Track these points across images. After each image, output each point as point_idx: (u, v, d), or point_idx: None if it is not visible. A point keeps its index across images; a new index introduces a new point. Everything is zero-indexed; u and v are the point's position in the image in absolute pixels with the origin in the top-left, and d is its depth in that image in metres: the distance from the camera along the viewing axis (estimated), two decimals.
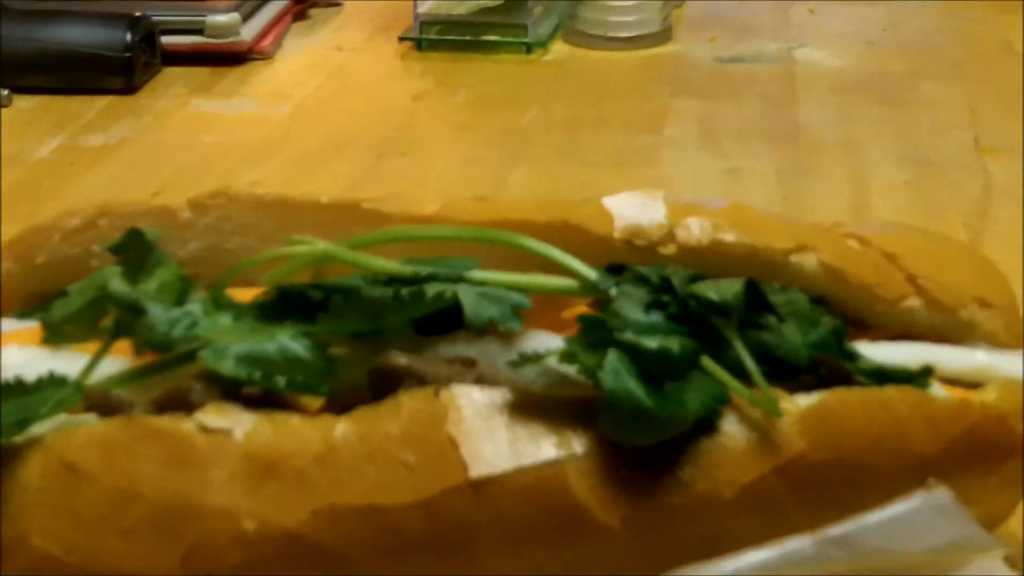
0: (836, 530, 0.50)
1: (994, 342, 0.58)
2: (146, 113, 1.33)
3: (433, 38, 1.51)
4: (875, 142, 1.20)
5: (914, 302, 0.58)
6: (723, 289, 0.52)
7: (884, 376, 0.53)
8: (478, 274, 0.54)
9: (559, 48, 1.51)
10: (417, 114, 1.34)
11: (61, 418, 0.52)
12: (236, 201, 0.60)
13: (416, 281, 0.53)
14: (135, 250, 0.56)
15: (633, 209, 0.58)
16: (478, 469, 0.49)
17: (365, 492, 0.49)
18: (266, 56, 1.50)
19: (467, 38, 1.50)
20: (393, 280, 0.53)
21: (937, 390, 0.54)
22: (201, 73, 1.45)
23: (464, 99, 1.37)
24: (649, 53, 1.49)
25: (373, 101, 1.38)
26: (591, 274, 0.54)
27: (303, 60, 1.51)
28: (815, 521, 0.50)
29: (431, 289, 0.52)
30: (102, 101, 1.36)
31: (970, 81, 1.37)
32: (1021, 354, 0.58)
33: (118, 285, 0.54)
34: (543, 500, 0.49)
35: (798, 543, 0.50)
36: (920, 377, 0.53)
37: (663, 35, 1.51)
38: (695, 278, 0.53)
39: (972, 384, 0.56)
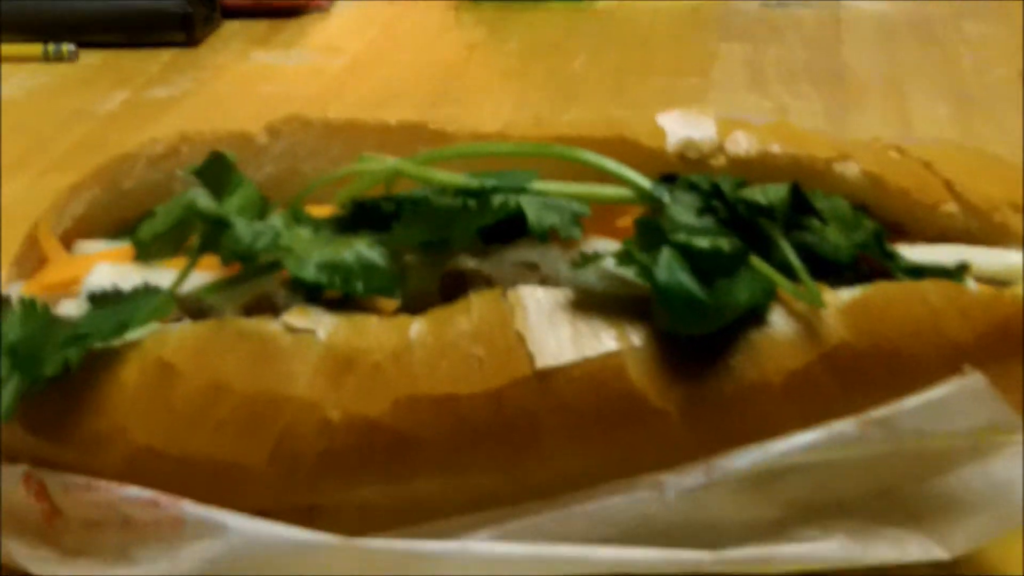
0: (878, 413, 0.53)
1: None
2: (207, 66, 1.37)
3: None
4: (919, 80, 1.23)
5: (951, 207, 0.61)
6: (769, 193, 0.55)
7: (921, 272, 0.56)
8: (539, 185, 0.57)
9: None
10: (469, 63, 1.38)
11: (157, 325, 0.55)
12: (309, 126, 0.64)
13: (482, 193, 0.56)
14: (217, 172, 0.59)
15: (684, 125, 0.61)
16: (543, 361, 0.52)
17: (440, 383, 0.52)
18: (323, 9, 1.54)
19: None
20: (460, 192, 0.57)
21: (972, 285, 0.56)
22: (260, 27, 1.49)
23: (515, 48, 1.41)
24: (697, 3, 1.51)
25: (426, 52, 1.42)
26: (645, 183, 0.57)
27: (358, 13, 1.54)
28: (858, 406, 0.53)
29: (496, 199, 0.56)
30: (165, 55, 1.40)
31: (1014, 19, 1.39)
32: None
33: (205, 202, 0.57)
34: (603, 389, 0.52)
35: (842, 426, 0.53)
36: (956, 273, 0.56)
37: None
38: (743, 184, 0.57)
39: (1005, 283, 0.58)
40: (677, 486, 0.53)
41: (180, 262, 0.58)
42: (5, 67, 1.37)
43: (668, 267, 0.52)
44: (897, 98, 1.19)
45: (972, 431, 0.54)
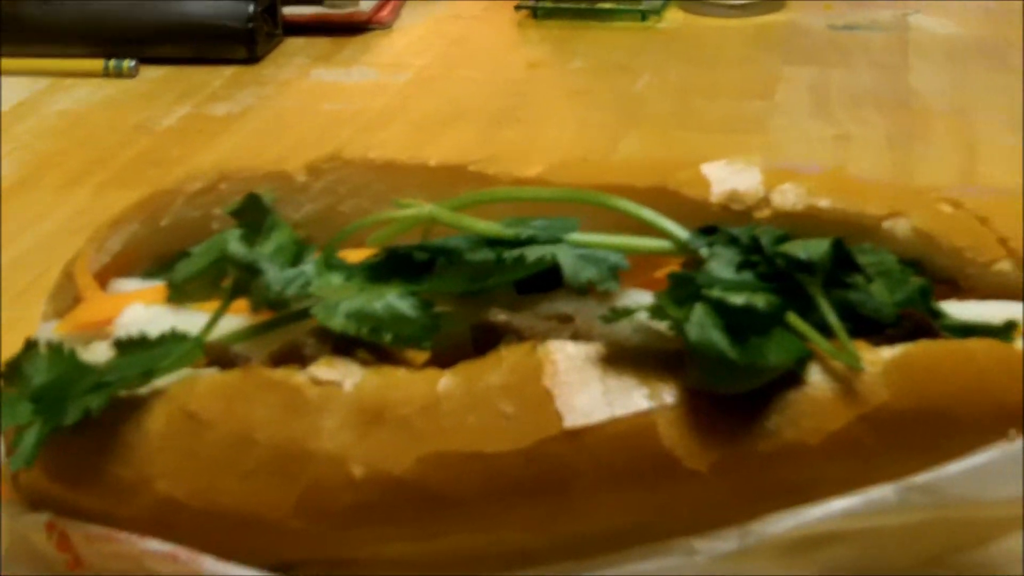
0: (920, 479, 0.52)
1: None
2: (269, 82, 1.37)
3: (549, 6, 1.53)
4: (986, 109, 1.21)
5: (1005, 265, 0.59)
6: (810, 248, 0.53)
7: (968, 331, 0.54)
8: (577, 236, 0.56)
9: (673, 16, 1.53)
10: (533, 82, 1.37)
11: (183, 371, 0.55)
12: (349, 165, 0.63)
13: (517, 243, 0.55)
14: (253, 213, 0.59)
15: (730, 175, 0.60)
16: (572, 419, 0.51)
17: (468, 440, 0.51)
18: (385, 26, 1.53)
19: (582, 6, 1.52)
20: (495, 242, 0.56)
21: (1021, 345, 0.55)
22: (322, 43, 1.48)
23: (579, 66, 1.40)
24: (762, 20, 1.50)
25: (490, 69, 1.41)
26: (683, 234, 0.56)
27: (421, 29, 1.53)
28: (899, 470, 0.52)
29: (532, 253, 0.54)
30: (227, 71, 1.40)
31: None
32: None
33: (236, 247, 0.57)
34: (634, 448, 0.51)
35: (882, 491, 0.52)
36: (1004, 331, 0.54)
37: (777, 3, 1.52)
38: (784, 238, 0.55)
39: None
40: (710, 551, 0.52)
41: (213, 305, 0.57)
42: (68, 81, 1.37)
43: (700, 323, 0.50)
44: (963, 127, 1.16)
45: (1018, 499, 0.53)
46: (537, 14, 1.54)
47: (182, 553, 0.52)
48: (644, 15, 1.51)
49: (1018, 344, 0.55)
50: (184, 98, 1.33)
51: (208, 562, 0.52)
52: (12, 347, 0.56)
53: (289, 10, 1.50)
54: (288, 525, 0.52)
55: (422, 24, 1.55)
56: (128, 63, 1.39)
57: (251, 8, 1.41)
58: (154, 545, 0.53)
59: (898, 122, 1.18)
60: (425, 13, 1.59)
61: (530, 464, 0.51)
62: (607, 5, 1.52)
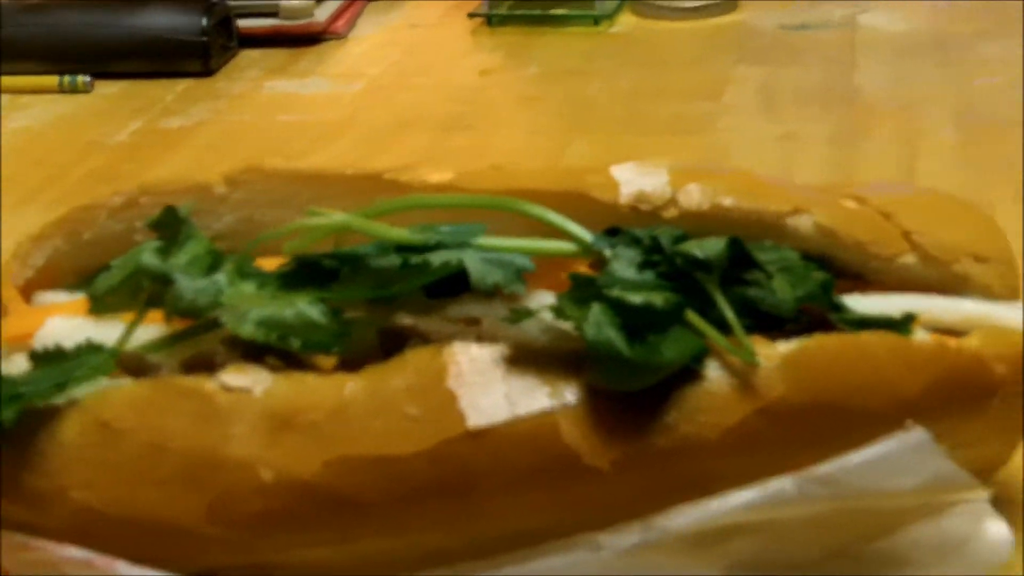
0: (819, 470, 0.53)
1: (988, 295, 0.60)
2: (223, 95, 1.38)
3: (503, 14, 1.55)
4: (930, 104, 1.22)
5: (909, 258, 0.60)
6: (707, 247, 0.54)
7: (867, 324, 0.55)
8: (484, 240, 0.57)
9: (626, 20, 1.54)
10: (485, 89, 1.38)
11: (99, 382, 0.56)
12: (268, 176, 0.64)
13: (425, 249, 0.56)
14: (170, 225, 0.59)
15: (638, 176, 0.61)
16: (476, 420, 0.52)
17: (374, 443, 0.52)
18: (341, 36, 1.54)
19: (536, 12, 1.54)
20: (404, 248, 0.57)
21: (921, 337, 0.56)
22: (277, 55, 1.49)
23: (532, 72, 1.41)
24: (715, 22, 1.51)
25: (443, 77, 1.42)
26: (587, 236, 0.57)
27: (376, 39, 1.55)
28: (798, 462, 0.53)
29: (437, 258, 0.55)
30: (181, 84, 1.41)
31: None
32: (1014, 305, 0.60)
33: (149, 258, 0.57)
34: (537, 447, 0.52)
35: (782, 483, 0.53)
36: (902, 324, 0.55)
37: (730, 3, 1.53)
38: (683, 238, 0.56)
39: (962, 333, 0.58)
40: (614, 545, 0.53)
41: (134, 315, 0.58)
42: (24, 99, 1.38)
43: (597, 323, 0.51)
44: (906, 123, 1.17)
45: (918, 489, 0.54)
46: (491, 21, 1.55)
47: (98, 559, 0.53)
48: (597, 20, 1.52)
49: (917, 336, 0.56)
50: (138, 113, 1.34)
51: (123, 567, 0.53)
52: None
53: (244, 22, 1.51)
54: (202, 532, 0.53)
55: (377, 34, 1.57)
56: (83, 79, 1.40)
57: (205, 21, 1.42)
58: (71, 552, 0.53)
59: (842, 119, 1.19)
60: (380, 23, 1.60)
61: (434, 466, 0.52)
62: (561, 11, 1.53)
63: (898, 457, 0.53)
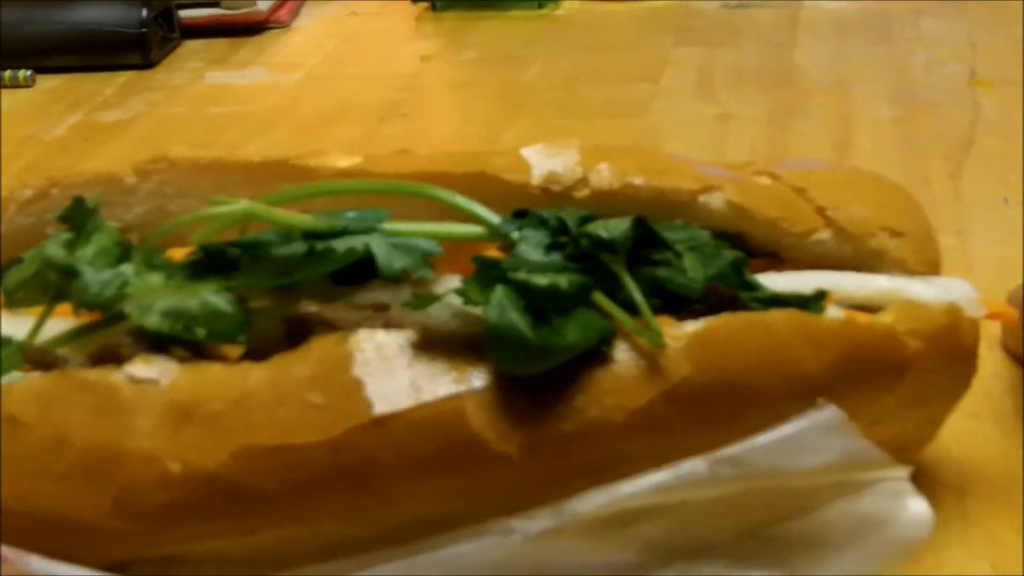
0: (729, 451, 0.52)
1: (903, 269, 0.60)
2: (161, 87, 1.37)
3: None
4: (868, 81, 1.22)
5: (823, 234, 0.60)
6: (612, 227, 0.54)
7: (778, 303, 0.55)
8: (390, 225, 0.56)
9: (570, 4, 1.53)
10: (424, 75, 1.37)
11: (8, 376, 0.55)
12: (176, 165, 0.63)
13: (331, 235, 0.56)
14: (78, 217, 0.59)
15: (548, 157, 0.60)
16: (381, 407, 0.51)
17: (277, 433, 0.52)
18: (283, 25, 1.54)
19: None
20: (310, 235, 0.56)
21: (834, 313, 0.55)
22: (219, 45, 1.49)
23: (471, 58, 1.40)
24: (658, 4, 1.51)
25: (382, 64, 1.41)
26: (494, 219, 0.56)
27: (319, 27, 1.54)
28: (708, 443, 0.52)
29: (342, 244, 0.55)
30: (121, 77, 1.40)
31: (972, 15, 1.37)
32: (930, 280, 0.59)
33: (55, 251, 0.57)
34: (442, 432, 0.51)
35: (692, 464, 0.52)
36: (813, 301, 0.55)
37: None
38: (589, 219, 0.56)
39: (876, 309, 0.57)
40: (525, 530, 0.52)
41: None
42: None
43: (499, 305, 0.51)
44: (842, 100, 1.17)
45: (829, 467, 0.53)
46: (436, 6, 1.55)
47: (9, 553, 0.52)
48: (541, 3, 1.52)
49: (830, 313, 0.55)
50: (76, 107, 1.33)
51: (35, 561, 0.52)
52: None
53: (186, 13, 1.51)
54: (106, 525, 0.52)
55: (320, 22, 1.56)
56: (24, 73, 1.39)
57: (144, 13, 1.41)
58: None
59: (779, 99, 1.19)
60: (323, 12, 1.60)
61: (339, 454, 0.51)
62: None
63: (808, 435, 0.52)
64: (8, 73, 1.39)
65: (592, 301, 0.53)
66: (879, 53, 1.29)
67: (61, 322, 0.57)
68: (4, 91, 1.39)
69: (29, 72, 1.39)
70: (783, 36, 1.36)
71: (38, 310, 0.58)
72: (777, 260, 0.60)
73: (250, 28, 1.52)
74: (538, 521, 0.52)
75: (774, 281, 0.57)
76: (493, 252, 0.57)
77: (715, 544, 0.55)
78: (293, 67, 1.41)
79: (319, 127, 1.23)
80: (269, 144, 1.19)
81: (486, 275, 0.53)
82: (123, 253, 0.58)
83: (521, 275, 0.52)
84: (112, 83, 1.39)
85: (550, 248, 0.55)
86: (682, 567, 0.54)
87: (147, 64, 1.42)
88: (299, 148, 1.15)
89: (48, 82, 1.41)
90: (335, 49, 1.46)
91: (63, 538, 0.53)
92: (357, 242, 0.55)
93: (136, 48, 1.41)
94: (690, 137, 1.12)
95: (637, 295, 0.53)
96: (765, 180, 0.61)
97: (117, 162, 1.15)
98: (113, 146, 1.23)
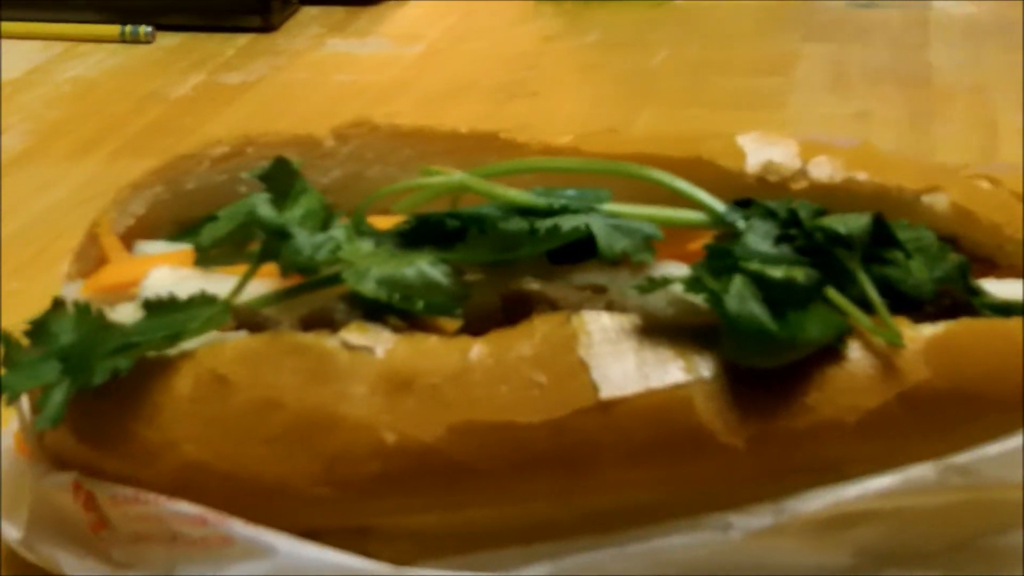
0: (960, 459, 0.51)
1: None
2: (283, 52, 1.36)
3: None
4: (1004, 88, 1.19)
5: None
6: (850, 223, 0.53)
7: (1008, 310, 0.53)
8: (610, 206, 0.55)
9: None
10: (546, 55, 1.36)
11: (211, 335, 0.54)
12: (376, 130, 0.62)
13: (550, 213, 0.55)
14: (281, 178, 0.58)
15: (765, 146, 0.59)
16: (607, 391, 0.50)
17: (498, 410, 0.51)
18: None
19: None
20: (527, 211, 0.55)
21: None
22: (337, 13, 1.47)
23: (593, 41, 1.39)
24: (781, 1, 1.49)
25: (503, 42, 1.40)
26: (719, 207, 0.55)
27: (436, 2, 1.52)
28: (934, 450, 0.51)
29: (566, 223, 0.54)
30: (241, 40, 1.39)
31: None
32: None
33: (266, 211, 0.56)
34: (668, 421, 0.50)
35: (921, 470, 0.51)
36: None
37: None
38: (821, 212, 0.54)
39: None
40: (744, 526, 0.51)
41: (240, 269, 0.56)
42: (82, 48, 1.37)
43: (739, 296, 0.50)
44: (983, 106, 1.15)
45: None
46: None
47: (211, 516, 0.52)
48: None
49: None
50: (198, 66, 1.33)
51: (237, 525, 0.52)
52: (11, 319, 0.55)
53: None
54: (312, 492, 0.52)
55: None
56: (145, 29, 1.38)
57: None
58: (183, 507, 0.52)
59: (918, 100, 1.17)
60: None
61: (561, 436, 0.50)
62: None
63: None
64: (129, 27, 1.38)
65: (825, 297, 0.51)
66: (1011, 59, 1.26)
67: (261, 283, 0.56)
68: (122, 47, 1.38)
69: (150, 28, 1.39)
70: (914, 37, 1.34)
71: (231, 269, 0.57)
72: (991, 265, 0.59)
73: None
74: (758, 518, 0.51)
75: (996, 287, 0.56)
76: (710, 241, 0.56)
77: (928, 553, 0.53)
78: (414, 39, 1.39)
79: (445, 100, 1.22)
80: (392, 115, 1.15)
81: (718, 263, 0.52)
82: (327, 217, 0.57)
83: (755, 266, 0.51)
84: (232, 45, 1.38)
85: (778, 240, 0.53)
86: (896, 574, 0.53)
87: (267, 27, 1.41)
88: (424, 121, 1.16)
89: (168, 40, 1.40)
90: (454, 24, 1.45)
91: (258, 501, 0.53)
92: (579, 221, 0.54)
93: (258, 11, 1.41)
94: (831, 134, 1.10)
95: (873, 293, 0.52)
96: (985, 184, 0.59)
97: (240, 125, 1.16)
98: (237, 108, 1.22)
